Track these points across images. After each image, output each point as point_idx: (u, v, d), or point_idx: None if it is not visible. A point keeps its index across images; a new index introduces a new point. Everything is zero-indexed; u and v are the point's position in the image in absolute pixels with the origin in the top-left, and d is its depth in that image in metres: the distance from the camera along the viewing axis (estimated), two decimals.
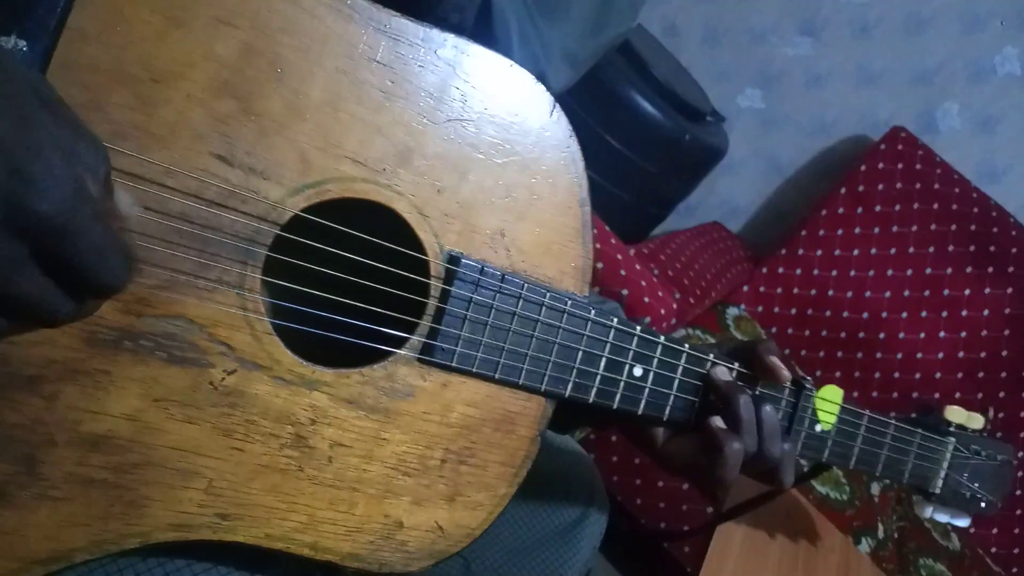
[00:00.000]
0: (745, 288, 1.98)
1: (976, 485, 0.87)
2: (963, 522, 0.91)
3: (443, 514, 0.52)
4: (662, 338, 0.58)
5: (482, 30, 0.55)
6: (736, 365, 0.62)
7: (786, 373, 0.60)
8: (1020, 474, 1.70)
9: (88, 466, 0.40)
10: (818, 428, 0.68)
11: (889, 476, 0.77)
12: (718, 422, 0.57)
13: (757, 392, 0.62)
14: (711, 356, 0.60)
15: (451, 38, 0.48)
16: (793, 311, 1.96)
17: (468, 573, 0.65)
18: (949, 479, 0.83)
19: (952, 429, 0.84)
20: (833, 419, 0.69)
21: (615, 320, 0.55)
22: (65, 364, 0.39)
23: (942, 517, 0.89)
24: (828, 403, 0.68)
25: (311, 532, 0.47)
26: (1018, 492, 1.74)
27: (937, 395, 1.84)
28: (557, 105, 0.53)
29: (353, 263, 0.46)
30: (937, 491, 0.82)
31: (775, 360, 0.60)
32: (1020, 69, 1.88)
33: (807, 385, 0.65)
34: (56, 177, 0.29)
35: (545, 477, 0.71)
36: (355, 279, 0.46)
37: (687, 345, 0.59)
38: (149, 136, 0.39)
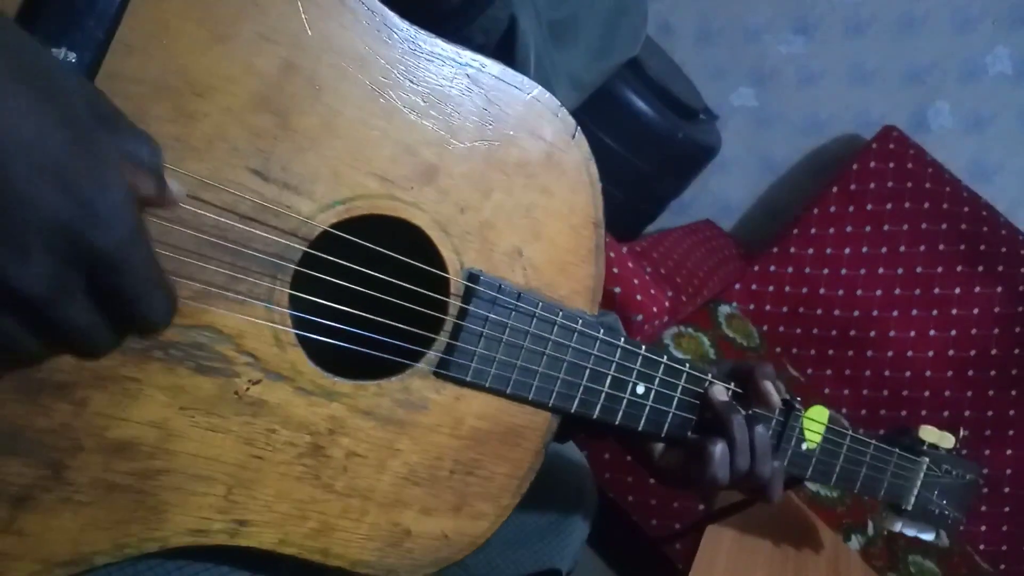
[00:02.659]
0: (737, 286, 1.98)
1: (944, 502, 0.91)
2: (929, 536, 0.95)
3: (449, 523, 0.53)
4: (664, 357, 0.59)
5: (503, 51, 0.56)
6: (732, 385, 0.64)
7: (776, 399, 0.62)
8: (1008, 471, 1.73)
9: (113, 471, 0.40)
10: (804, 447, 0.70)
11: (866, 493, 0.80)
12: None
13: (751, 412, 0.64)
14: (709, 376, 0.62)
15: (480, 60, 0.49)
16: (785, 309, 1.95)
17: (461, 565, 0.67)
18: (920, 496, 0.87)
19: (925, 448, 0.88)
20: (818, 438, 0.71)
21: (623, 339, 0.57)
22: (96, 371, 0.39)
23: (910, 531, 0.93)
24: (814, 422, 0.71)
25: (323, 538, 0.48)
26: (1006, 489, 1.75)
27: (927, 392, 1.83)
28: (579, 129, 0.54)
29: (376, 278, 0.47)
30: (909, 508, 0.86)
31: (768, 385, 0.62)
32: (1011, 69, 1.87)
33: (796, 405, 0.68)
34: (120, 211, 0.29)
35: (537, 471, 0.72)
36: (377, 295, 0.47)
37: (688, 364, 0.61)
38: (187, 148, 0.39)
